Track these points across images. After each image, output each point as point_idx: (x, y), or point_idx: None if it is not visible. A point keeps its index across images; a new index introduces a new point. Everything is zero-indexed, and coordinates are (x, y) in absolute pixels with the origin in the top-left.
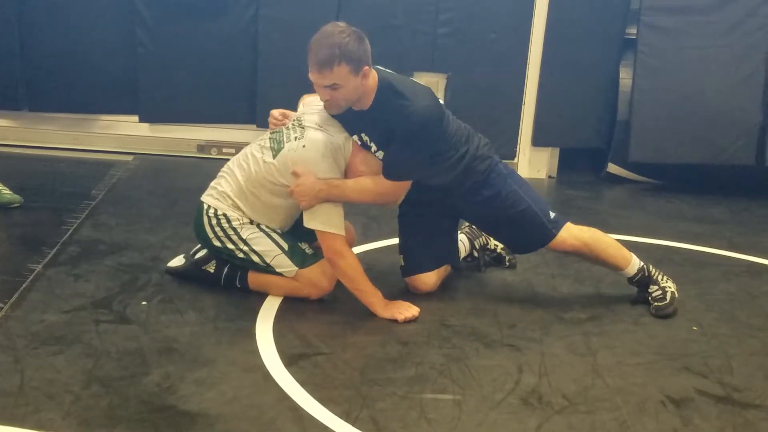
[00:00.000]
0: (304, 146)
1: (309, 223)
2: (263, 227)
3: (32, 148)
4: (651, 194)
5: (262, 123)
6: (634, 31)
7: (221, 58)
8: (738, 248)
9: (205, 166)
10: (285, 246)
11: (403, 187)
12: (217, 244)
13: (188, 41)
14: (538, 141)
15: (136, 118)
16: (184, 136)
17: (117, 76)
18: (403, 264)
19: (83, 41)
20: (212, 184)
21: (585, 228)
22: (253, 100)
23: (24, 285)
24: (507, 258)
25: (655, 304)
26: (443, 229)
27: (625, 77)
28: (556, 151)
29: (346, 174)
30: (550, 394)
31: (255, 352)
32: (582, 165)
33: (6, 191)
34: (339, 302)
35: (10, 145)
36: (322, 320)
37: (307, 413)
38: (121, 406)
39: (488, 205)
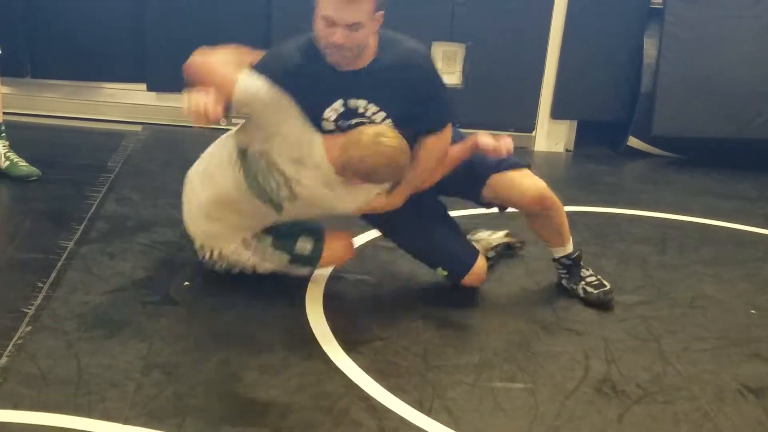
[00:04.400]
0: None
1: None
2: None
3: (37, 116)
4: (673, 169)
5: None
6: (658, 0)
7: (233, 24)
8: None
9: (216, 137)
10: (286, 258)
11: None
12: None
13: (200, 6)
14: (557, 113)
15: (143, 86)
16: None
17: (124, 43)
18: (447, 273)
19: (89, 5)
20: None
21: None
22: None
23: (59, 263)
24: (513, 243)
25: (598, 291)
26: (441, 209)
27: (650, 48)
28: (575, 124)
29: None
30: (623, 383)
31: (311, 336)
32: (599, 138)
33: (23, 164)
34: (383, 285)
35: (16, 113)
36: (370, 302)
37: (379, 403)
38: (188, 394)
39: None
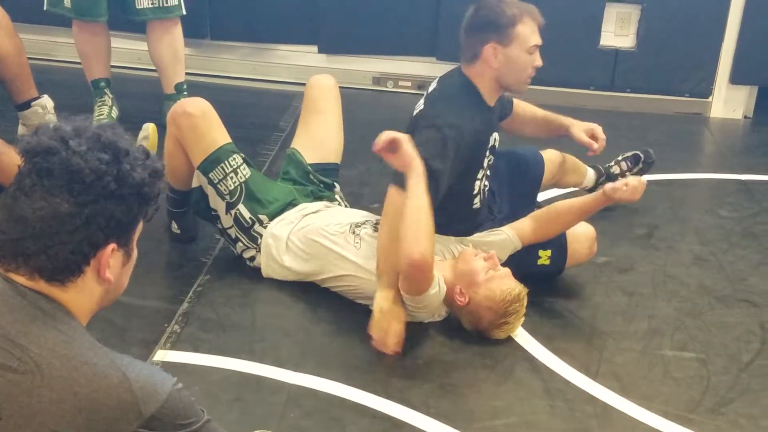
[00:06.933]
0: None
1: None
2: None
3: (213, 77)
4: None
5: (443, 55)
6: None
7: None
8: None
9: (381, 99)
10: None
11: None
12: None
13: None
14: (737, 78)
15: (314, 48)
16: (360, 68)
17: (299, 6)
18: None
19: None
20: None
21: None
22: (434, 32)
23: None
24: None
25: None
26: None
27: None
28: (755, 89)
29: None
30: None
31: None
32: None
33: None
34: None
35: (195, 73)
36: None
37: (544, 365)
38: (355, 347)
39: None
